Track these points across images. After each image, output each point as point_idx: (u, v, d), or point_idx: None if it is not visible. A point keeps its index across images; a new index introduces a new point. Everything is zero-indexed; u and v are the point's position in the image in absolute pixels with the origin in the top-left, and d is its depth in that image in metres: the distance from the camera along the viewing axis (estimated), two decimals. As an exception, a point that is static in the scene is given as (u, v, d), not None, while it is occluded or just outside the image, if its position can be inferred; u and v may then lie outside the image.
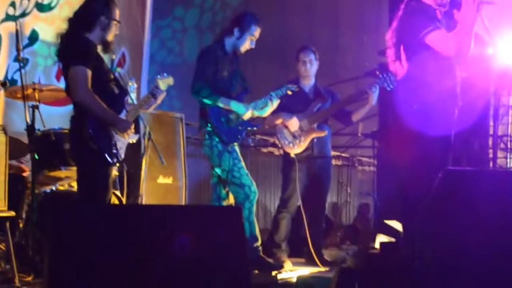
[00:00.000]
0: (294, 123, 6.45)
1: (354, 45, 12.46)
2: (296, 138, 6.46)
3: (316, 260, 6.32)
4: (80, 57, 4.70)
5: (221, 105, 5.80)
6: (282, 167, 6.70)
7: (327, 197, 6.89)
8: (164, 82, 5.22)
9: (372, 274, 3.94)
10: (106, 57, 5.10)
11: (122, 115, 4.92)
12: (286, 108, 6.41)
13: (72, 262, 3.32)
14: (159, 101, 5.20)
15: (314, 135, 6.52)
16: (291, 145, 6.46)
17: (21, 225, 5.69)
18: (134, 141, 5.10)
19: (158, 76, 5.26)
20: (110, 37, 4.93)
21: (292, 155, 6.46)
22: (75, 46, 4.78)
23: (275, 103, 6.07)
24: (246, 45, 5.97)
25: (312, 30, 11.84)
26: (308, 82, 6.69)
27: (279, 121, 6.43)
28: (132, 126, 4.93)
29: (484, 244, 3.72)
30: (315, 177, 6.62)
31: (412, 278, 3.77)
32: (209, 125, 5.82)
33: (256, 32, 5.96)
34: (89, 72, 4.68)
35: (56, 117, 6.57)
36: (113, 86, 4.93)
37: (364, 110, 6.68)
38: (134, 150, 6.10)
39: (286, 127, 6.46)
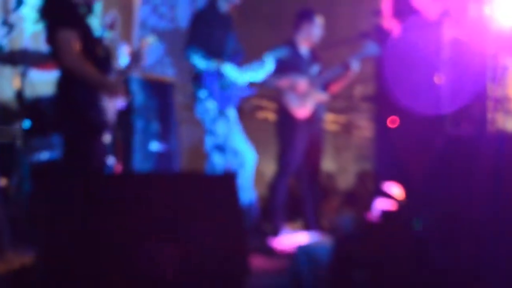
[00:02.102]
0: (303, 85, 6.32)
1: (349, 5, 12.34)
2: (303, 101, 6.34)
3: (314, 227, 6.27)
4: (66, 19, 4.56)
5: (213, 67, 5.70)
6: (281, 132, 6.55)
7: (318, 161, 6.79)
8: (146, 42, 5.11)
9: (371, 242, 3.89)
10: (95, 20, 4.98)
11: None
12: (286, 71, 6.29)
13: (64, 232, 3.28)
14: (142, 61, 5.06)
15: (317, 98, 6.42)
16: (298, 108, 6.32)
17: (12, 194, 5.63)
18: (126, 101, 4.98)
19: (142, 38, 5.17)
20: None
21: (298, 118, 6.32)
22: (59, 7, 4.63)
23: (270, 66, 5.97)
24: None
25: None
26: (306, 46, 6.57)
27: (285, 82, 6.28)
28: (122, 89, 4.81)
29: (485, 207, 3.68)
30: (313, 142, 6.53)
31: (412, 244, 3.73)
32: (203, 90, 5.74)
33: None
34: (75, 34, 4.54)
35: (46, 83, 6.45)
36: (98, 48, 4.80)
37: (342, 83, 6.63)
38: (126, 117, 6.02)
39: (293, 89, 6.33)
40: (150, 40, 5.13)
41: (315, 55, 6.65)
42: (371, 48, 6.19)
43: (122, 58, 5.85)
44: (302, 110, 6.30)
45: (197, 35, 5.73)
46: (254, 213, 5.83)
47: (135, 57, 4.99)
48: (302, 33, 6.51)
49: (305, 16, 6.55)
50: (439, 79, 4.96)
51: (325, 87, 6.61)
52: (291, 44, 6.41)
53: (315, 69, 6.45)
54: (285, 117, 6.38)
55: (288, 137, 6.36)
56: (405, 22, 4.93)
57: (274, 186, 6.40)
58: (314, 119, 6.45)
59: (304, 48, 6.55)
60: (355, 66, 6.30)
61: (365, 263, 3.77)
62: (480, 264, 3.56)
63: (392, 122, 5.45)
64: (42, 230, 3.34)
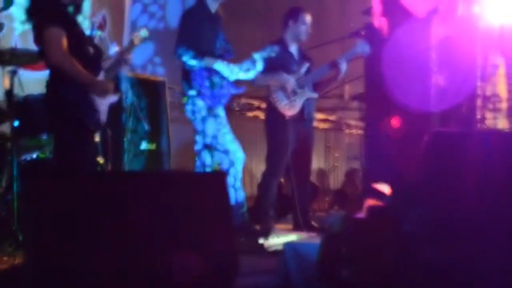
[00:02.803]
0: (291, 84, 6.32)
1: (338, 4, 12.34)
2: (290, 100, 6.33)
3: (303, 226, 6.27)
4: (53, 18, 4.56)
5: (205, 64, 5.69)
6: (270, 130, 6.54)
7: (309, 161, 6.79)
8: (138, 37, 5.09)
9: (359, 239, 3.89)
10: (86, 20, 4.98)
11: (100, 77, 4.79)
12: (275, 69, 6.28)
13: (53, 231, 3.26)
14: (128, 59, 5.04)
15: (306, 97, 6.41)
16: (287, 106, 6.32)
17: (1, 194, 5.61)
18: (116, 99, 4.94)
19: (133, 33, 5.15)
20: None
21: (287, 117, 6.32)
22: (46, 6, 4.63)
23: (259, 65, 5.97)
24: None
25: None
26: (295, 45, 6.57)
27: (274, 81, 6.26)
28: (111, 87, 4.79)
29: (472, 206, 3.69)
30: (302, 141, 6.52)
31: (399, 242, 3.73)
32: (192, 89, 5.74)
33: None
34: (63, 33, 4.54)
35: (36, 83, 6.44)
36: (88, 47, 4.78)
37: (331, 84, 6.69)
38: (117, 116, 6.02)
39: (281, 88, 6.32)
40: (143, 34, 5.11)
41: (304, 54, 6.65)
42: (361, 47, 6.19)
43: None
44: (290, 109, 6.31)
45: (187, 34, 5.72)
46: (243, 213, 5.82)
47: (124, 53, 4.98)
48: (290, 32, 6.51)
49: (291, 14, 6.55)
50: (439, 80, 4.98)
51: (315, 86, 6.62)
52: (281, 43, 6.42)
53: (304, 67, 6.45)
54: (274, 116, 6.38)
55: (277, 136, 6.36)
56: (395, 20, 4.93)
57: (263, 186, 6.40)
58: (303, 118, 6.45)
59: (293, 46, 6.55)
60: (343, 65, 6.30)
61: (353, 261, 3.78)
62: (469, 261, 3.57)
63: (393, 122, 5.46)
64: (30, 230, 3.32)
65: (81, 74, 4.58)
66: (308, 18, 6.54)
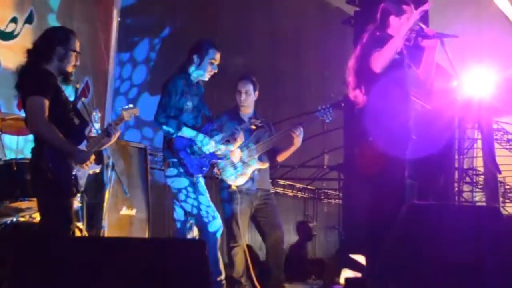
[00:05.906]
0: (236, 154, 6.35)
1: (318, 76, 12.52)
2: (237, 170, 6.38)
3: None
4: (37, 87, 4.68)
5: (185, 135, 5.73)
6: (222, 200, 6.49)
7: (279, 230, 6.63)
8: (130, 113, 5.19)
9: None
10: (69, 87, 5.05)
11: (82, 146, 4.87)
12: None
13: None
14: (113, 140, 5.13)
15: (255, 167, 6.46)
16: (233, 177, 6.33)
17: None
18: (98, 171, 5.04)
19: (123, 107, 5.22)
20: (69, 67, 4.92)
21: (234, 187, 6.34)
22: (32, 76, 4.76)
23: (240, 135, 6.00)
24: (208, 70, 5.91)
25: (276, 61, 11.88)
26: (247, 112, 6.56)
27: (218, 153, 6.19)
28: (92, 157, 4.87)
29: (449, 279, 3.72)
30: (263, 211, 6.47)
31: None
32: (173, 156, 5.76)
33: (216, 55, 5.91)
34: (46, 102, 4.65)
35: (18, 147, 6.47)
36: (73, 116, 4.89)
37: (289, 151, 6.57)
38: (97, 181, 6.04)
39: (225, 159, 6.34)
40: (135, 112, 5.21)
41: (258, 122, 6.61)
42: (327, 112, 6.24)
43: (96, 124, 5.87)
44: (236, 180, 6.32)
45: (168, 103, 5.75)
46: (221, 280, 5.79)
47: (106, 134, 5.05)
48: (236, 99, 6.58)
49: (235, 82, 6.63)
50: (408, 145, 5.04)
51: (275, 153, 6.60)
52: (233, 110, 6.52)
53: (256, 136, 6.45)
54: (224, 186, 6.42)
55: (229, 206, 6.38)
56: (373, 88, 5.00)
57: (230, 256, 6.37)
58: (254, 187, 6.44)
59: (246, 114, 6.55)
60: (299, 135, 6.32)
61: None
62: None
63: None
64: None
65: (62, 143, 4.70)
66: (241, 85, 6.55)
